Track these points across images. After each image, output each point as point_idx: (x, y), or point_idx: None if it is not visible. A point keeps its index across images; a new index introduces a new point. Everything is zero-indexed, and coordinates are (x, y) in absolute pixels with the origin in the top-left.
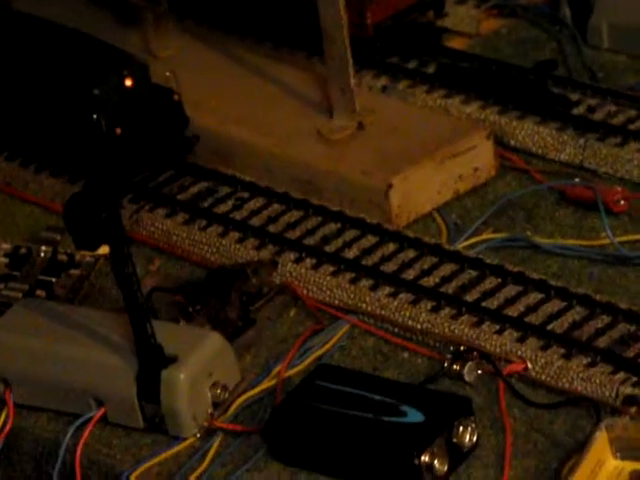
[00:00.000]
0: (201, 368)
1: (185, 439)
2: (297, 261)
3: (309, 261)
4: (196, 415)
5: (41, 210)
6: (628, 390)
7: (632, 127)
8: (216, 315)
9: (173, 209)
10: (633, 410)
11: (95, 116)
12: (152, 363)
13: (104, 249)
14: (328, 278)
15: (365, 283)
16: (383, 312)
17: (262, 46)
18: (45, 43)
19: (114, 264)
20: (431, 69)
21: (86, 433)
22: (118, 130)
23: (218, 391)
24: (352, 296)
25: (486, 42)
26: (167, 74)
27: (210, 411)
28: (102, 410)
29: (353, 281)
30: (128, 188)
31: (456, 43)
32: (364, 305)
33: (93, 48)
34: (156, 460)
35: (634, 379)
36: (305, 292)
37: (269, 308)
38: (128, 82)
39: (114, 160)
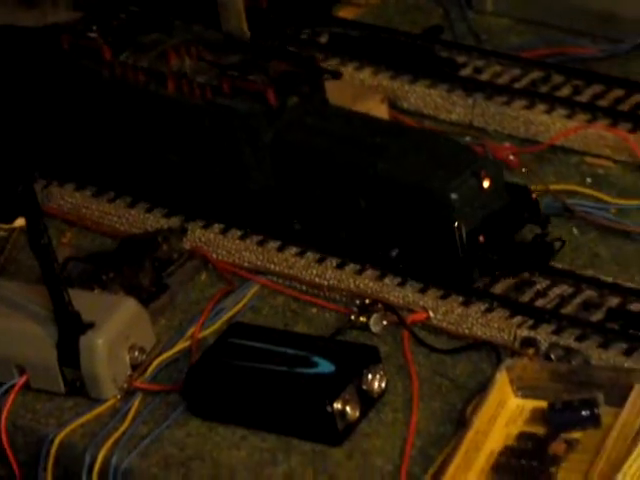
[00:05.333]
0: (118, 332)
1: (106, 401)
2: (205, 227)
3: (217, 226)
4: (115, 377)
5: None
6: (525, 333)
7: (517, 86)
8: (129, 282)
9: (81, 182)
10: (531, 351)
11: (456, 224)
12: (70, 330)
13: (18, 222)
14: (237, 242)
15: (272, 244)
16: (291, 271)
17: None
18: (393, 143)
19: (31, 236)
20: (324, 38)
21: (10, 400)
22: (481, 238)
23: (136, 353)
24: (260, 257)
25: (375, 11)
26: (523, 170)
27: (129, 373)
28: (25, 377)
29: (261, 243)
30: (38, 162)
31: (347, 13)
32: (272, 265)
33: (443, 147)
34: (79, 422)
35: (530, 322)
36: (215, 256)
37: (180, 273)
38: (486, 184)
39: (473, 268)
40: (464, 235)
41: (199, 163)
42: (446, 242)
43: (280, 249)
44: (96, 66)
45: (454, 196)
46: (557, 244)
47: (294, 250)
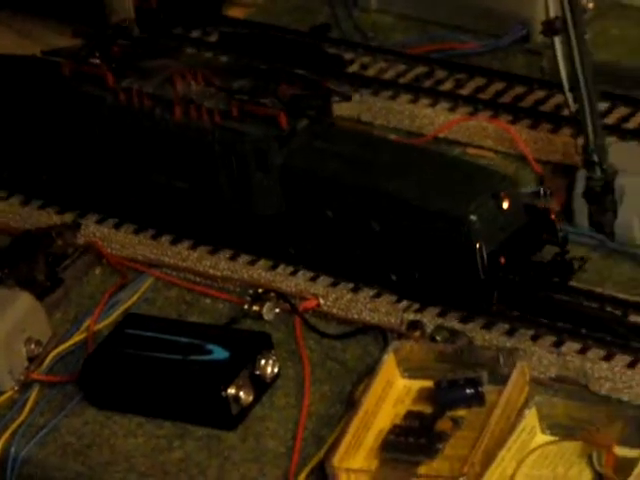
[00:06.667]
0: (14, 326)
1: (3, 393)
2: (99, 222)
3: (111, 221)
4: (12, 370)
5: None
6: (411, 316)
7: (402, 81)
8: (24, 277)
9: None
10: (417, 334)
11: (477, 246)
12: None
13: None
14: (130, 236)
15: (166, 238)
16: (184, 263)
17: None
18: (408, 164)
19: None
20: (214, 38)
21: None
22: (502, 259)
23: (32, 346)
24: (154, 251)
25: (264, 10)
26: (541, 190)
27: (25, 365)
28: None
29: (154, 237)
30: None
31: (236, 12)
32: (166, 258)
33: (459, 168)
34: None
35: (416, 306)
36: (109, 250)
37: (75, 268)
38: (505, 204)
39: (494, 290)
40: (485, 257)
41: (207, 189)
42: (466, 264)
43: (173, 242)
44: (99, 92)
45: (473, 218)
46: (576, 262)
47: (187, 243)
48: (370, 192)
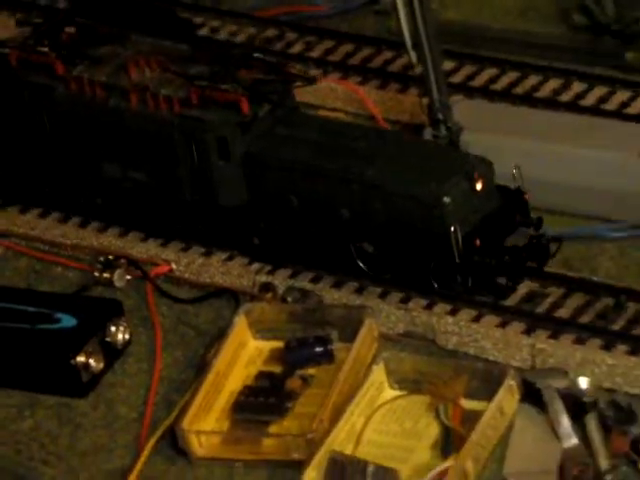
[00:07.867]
0: None
1: None
2: None
3: None
4: None
5: None
6: (263, 278)
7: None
8: None
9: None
10: (269, 295)
11: (452, 228)
12: None
13: None
14: None
15: (14, 208)
16: (33, 232)
17: None
18: (377, 149)
19: None
20: (63, 4)
21: None
22: (477, 241)
23: None
24: (2, 221)
25: None
26: (514, 171)
27: None
28: None
29: (1, 207)
30: None
31: None
32: (15, 228)
33: (429, 150)
34: None
35: (268, 268)
36: None
37: None
38: (479, 186)
39: (471, 274)
40: (460, 239)
41: (167, 180)
42: (441, 247)
43: (22, 211)
44: (49, 82)
45: (447, 199)
46: (553, 246)
47: (36, 212)
48: (339, 178)
